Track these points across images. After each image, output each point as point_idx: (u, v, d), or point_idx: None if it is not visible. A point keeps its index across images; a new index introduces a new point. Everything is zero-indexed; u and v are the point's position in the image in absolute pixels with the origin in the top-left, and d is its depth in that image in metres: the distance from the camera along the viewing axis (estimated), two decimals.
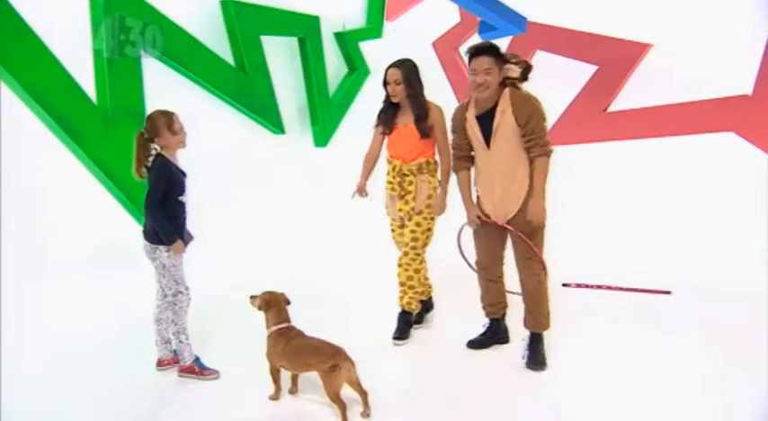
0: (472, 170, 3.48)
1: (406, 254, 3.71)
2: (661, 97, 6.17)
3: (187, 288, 3.26)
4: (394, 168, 3.72)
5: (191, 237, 3.31)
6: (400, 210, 3.72)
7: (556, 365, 3.34)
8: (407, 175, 3.67)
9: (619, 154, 6.40)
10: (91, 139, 4.46)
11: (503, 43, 6.71)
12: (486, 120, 3.26)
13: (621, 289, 4.56)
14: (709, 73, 5.81)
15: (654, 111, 6.27)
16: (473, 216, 3.42)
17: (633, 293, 4.49)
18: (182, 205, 3.19)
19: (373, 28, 6.97)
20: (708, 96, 5.89)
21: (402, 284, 3.75)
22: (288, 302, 3.14)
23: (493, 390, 3.12)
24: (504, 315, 3.67)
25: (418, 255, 3.71)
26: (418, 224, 3.66)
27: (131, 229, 4.73)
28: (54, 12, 4.29)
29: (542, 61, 6.89)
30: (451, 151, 3.54)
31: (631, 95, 6.42)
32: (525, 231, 3.25)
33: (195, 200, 3.57)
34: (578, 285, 4.65)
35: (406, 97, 3.60)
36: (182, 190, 3.17)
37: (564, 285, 4.62)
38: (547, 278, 3.35)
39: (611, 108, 6.60)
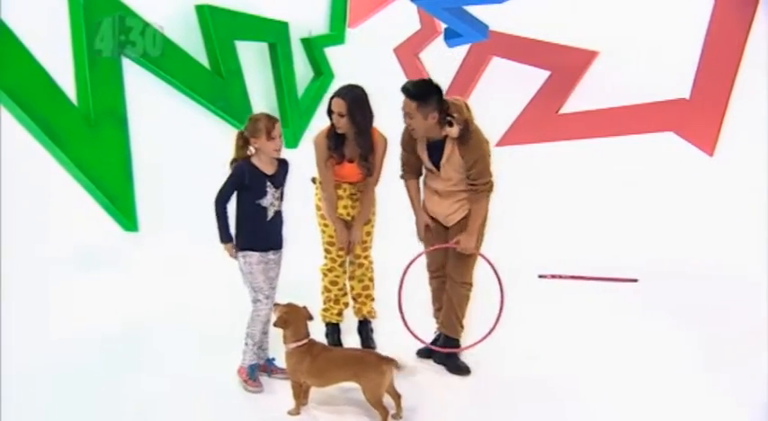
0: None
1: (360, 265, 3.68)
2: (608, 100, 6.64)
3: (267, 297, 3.20)
4: (345, 191, 3.57)
5: (277, 243, 3.27)
6: (368, 232, 3.65)
7: (545, 356, 3.59)
8: (355, 194, 3.59)
9: (571, 152, 6.84)
10: (72, 142, 4.36)
11: (463, 49, 7.08)
12: (435, 149, 3.28)
13: (592, 278, 4.90)
14: (652, 78, 6.34)
15: (602, 113, 6.74)
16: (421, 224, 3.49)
17: (605, 282, 4.86)
18: (260, 209, 3.16)
19: (336, 34, 7.14)
20: (650, 100, 6.40)
21: (359, 295, 3.73)
22: (310, 318, 3.03)
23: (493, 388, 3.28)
24: None
25: (371, 262, 3.74)
26: (368, 233, 3.66)
27: (114, 231, 4.69)
28: (33, 13, 4.20)
29: (499, 67, 7.31)
30: (401, 163, 3.52)
31: (581, 99, 6.88)
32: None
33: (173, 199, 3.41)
34: (553, 276, 4.97)
35: (350, 129, 3.42)
36: (260, 194, 3.14)
37: (540, 276, 4.93)
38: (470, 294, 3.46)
39: (563, 110, 7.05)
